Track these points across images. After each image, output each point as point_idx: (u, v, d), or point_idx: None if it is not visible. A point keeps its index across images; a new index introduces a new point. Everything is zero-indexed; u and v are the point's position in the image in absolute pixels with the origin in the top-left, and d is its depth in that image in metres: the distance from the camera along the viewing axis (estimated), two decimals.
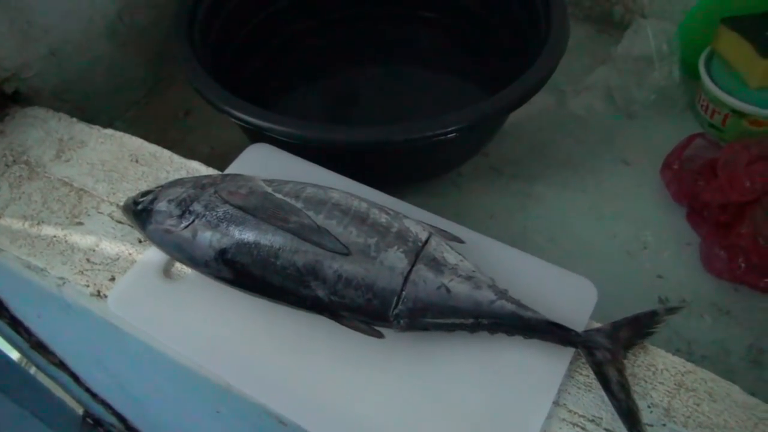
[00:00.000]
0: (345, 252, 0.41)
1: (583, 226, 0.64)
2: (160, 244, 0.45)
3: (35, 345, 0.81)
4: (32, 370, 1.17)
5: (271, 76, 0.79)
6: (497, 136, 0.69)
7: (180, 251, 0.44)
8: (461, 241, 0.46)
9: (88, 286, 0.48)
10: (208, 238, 0.43)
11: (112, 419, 1.06)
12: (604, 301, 0.45)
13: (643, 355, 0.42)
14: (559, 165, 0.70)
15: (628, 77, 0.74)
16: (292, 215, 0.42)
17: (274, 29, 0.79)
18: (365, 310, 0.41)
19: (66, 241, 0.51)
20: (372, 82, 0.83)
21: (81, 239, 0.51)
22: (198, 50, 0.63)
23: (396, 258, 0.41)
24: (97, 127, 0.59)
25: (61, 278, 0.49)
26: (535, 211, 0.66)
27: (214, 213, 0.43)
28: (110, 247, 0.50)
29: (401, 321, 0.40)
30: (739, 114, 0.67)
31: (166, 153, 0.56)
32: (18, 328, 0.78)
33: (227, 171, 0.53)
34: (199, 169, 0.55)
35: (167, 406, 0.76)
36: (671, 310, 0.42)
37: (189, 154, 0.57)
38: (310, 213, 0.42)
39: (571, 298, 0.44)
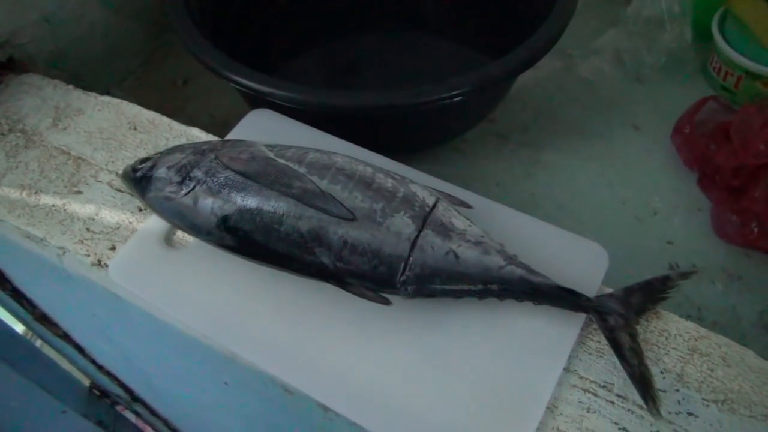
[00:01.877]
0: (350, 217, 0.39)
1: (592, 192, 0.63)
2: (161, 211, 0.44)
3: (39, 317, 0.81)
4: (38, 342, 1.17)
5: (270, 43, 0.78)
6: (504, 103, 0.67)
7: (181, 219, 0.43)
8: (469, 206, 0.44)
9: (88, 255, 0.47)
10: (210, 204, 0.41)
11: (119, 390, 1.06)
12: (614, 268, 0.44)
13: (655, 321, 0.41)
14: (568, 131, 0.69)
15: (638, 40, 0.72)
16: (295, 180, 0.41)
17: None
18: (371, 277, 0.40)
19: (65, 211, 0.50)
20: (374, 49, 0.82)
21: (80, 208, 0.50)
22: (195, 16, 0.61)
23: (403, 223, 0.40)
24: (94, 94, 0.58)
25: (61, 248, 0.48)
26: (542, 178, 0.65)
27: (215, 179, 0.42)
28: (110, 215, 0.49)
29: (408, 287, 0.40)
30: (753, 75, 0.65)
31: (165, 120, 0.55)
32: (21, 301, 0.78)
33: (228, 137, 0.52)
34: (199, 135, 0.54)
35: (173, 378, 0.76)
36: (684, 275, 0.40)
37: (189, 122, 0.55)
38: (314, 178, 0.41)
39: (582, 263, 0.43)
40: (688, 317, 0.42)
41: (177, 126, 0.55)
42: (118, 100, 0.57)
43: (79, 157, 0.53)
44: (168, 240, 0.47)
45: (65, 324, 0.84)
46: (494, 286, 0.40)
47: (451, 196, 0.44)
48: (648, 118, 0.69)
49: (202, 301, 0.43)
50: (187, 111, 0.74)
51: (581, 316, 0.40)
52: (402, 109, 0.52)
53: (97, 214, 0.49)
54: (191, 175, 0.43)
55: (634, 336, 0.39)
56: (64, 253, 0.49)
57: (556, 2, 0.58)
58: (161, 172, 0.44)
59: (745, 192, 0.57)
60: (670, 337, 0.40)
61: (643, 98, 0.71)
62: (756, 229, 0.56)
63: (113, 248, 0.47)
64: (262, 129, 0.52)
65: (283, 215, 0.40)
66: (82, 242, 0.48)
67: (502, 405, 0.37)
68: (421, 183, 0.44)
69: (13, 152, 0.54)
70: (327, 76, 0.80)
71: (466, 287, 0.40)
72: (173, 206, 0.43)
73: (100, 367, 0.98)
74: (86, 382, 1.20)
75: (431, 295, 0.40)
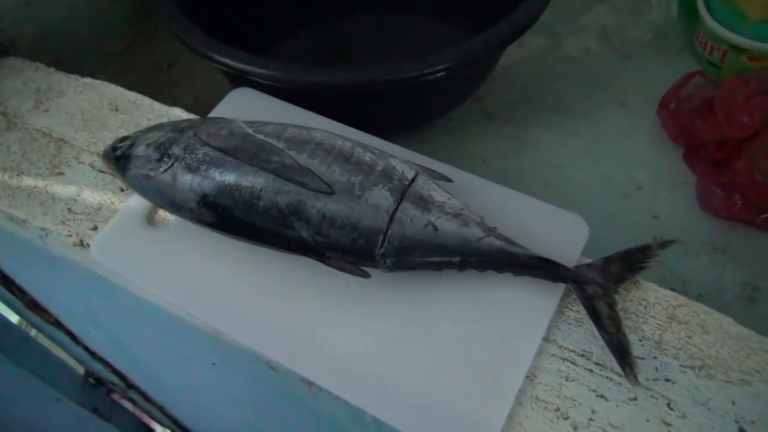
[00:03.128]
0: (328, 191, 0.39)
1: (577, 168, 0.63)
2: (141, 190, 0.44)
3: (29, 304, 0.81)
4: (33, 332, 1.18)
5: (256, 26, 0.77)
6: (489, 81, 0.67)
7: (160, 196, 0.43)
8: (449, 180, 0.44)
9: (70, 236, 0.47)
10: (189, 181, 0.41)
11: (113, 377, 1.06)
12: (600, 242, 0.44)
13: (635, 290, 0.41)
14: (553, 108, 0.69)
15: (624, 16, 0.72)
16: (273, 155, 0.41)
17: None
18: (351, 250, 0.40)
19: (47, 192, 0.50)
20: (366, 30, 0.81)
21: (62, 189, 0.50)
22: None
23: (381, 196, 0.40)
24: (76, 76, 0.58)
25: (43, 229, 0.48)
26: (528, 155, 0.65)
27: (194, 155, 0.42)
28: (92, 196, 0.49)
29: (388, 260, 0.40)
30: (739, 49, 0.65)
31: (147, 101, 0.55)
32: (11, 287, 0.78)
33: (209, 116, 0.51)
34: (180, 115, 0.53)
35: (163, 361, 0.76)
36: (663, 244, 0.41)
37: (174, 105, 0.55)
38: (292, 153, 0.41)
39: (562, 234, 0.43)
40: (672, 290, 0.42)
41: (158, 106, 0.55)
42: (100, 82, 0.57)
43: (61, 139, 0.53)
44: (150, 219, 0.47)
45: (55, 310, 0.84)
46: (473, 258, 0.40)
47: (431, 170, 0.44)
48: (634, 94, 0.69)
49: (184, 278, 0.43)
50: (172, 94, 0.74)
51: (561, 287, 0.41)
52: (382, 86, 0.52)
53: (78, 195, 0.49)
54: (170, 152, 0.42)
55: (612, 305, 0.39)
56: (46, 234, 0.49)
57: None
58: (140, 150, 0.44)
59: (729, 165, 0.57)
60: (649, 305, 0.40)
61: (629, 75, 0.71)
62: (739, 202, 0.56)
63: (95, 228, 0.47)
64: (243, 107, 0.52)
65: (261, 190, 0.40)
66: (64, 223, 0.48)
67: (482, 375, 0.38)
68: (402, 157, 0.44)
69: None
70: (315, 58, 0.80)
71: (445, 259, 0.40)
72: (152, 184, 0.43)
73: (93, 354, 0.98)
74: (81, 370, 1.20)
75: (411, 267, 0.40)
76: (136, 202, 0.47)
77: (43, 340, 1.12)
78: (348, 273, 0.40)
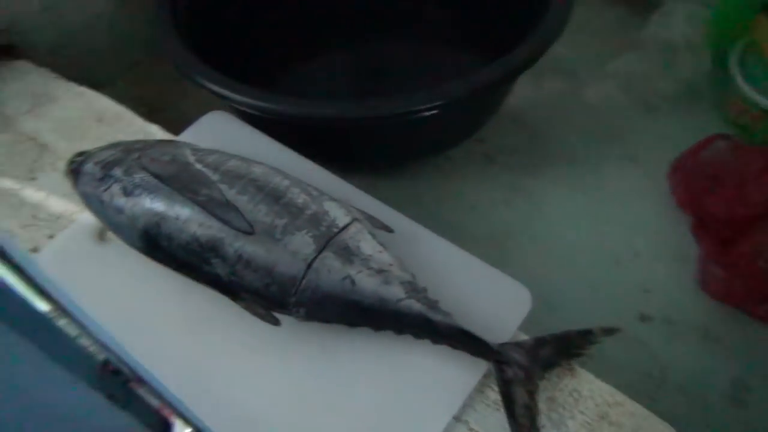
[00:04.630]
0: (249, 231, 0.38)
1: (570, 226, 0.59)
2: (86, 204, 0.44)
3: (38, 291, 0.84)
4: (62, 322, 1.23)
5: (270, 51, 0.77)
6: (496, 122, 0.64)
7: (99, 214, 0.43)
8: (390, 230, 0.42)
9: (27, 241, 0.48)
10: (122, 203, 0.41)
11: (124, 367, 1.09)
12: (577, 311, 0.40)
13: (568, 378, 0.37)
14: (559, 158, 0.65)
15: (653, 66, 0.67)
16: (203, 188, 0.40)
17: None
18: (264, 295, 0.38)
19: (18, 195, 0.51)
20: (398, 55, 0.79)
21: (32, 194, 0.51)
22: (180, 23, 0.61)
23: (302, 242, 0.38)
24: (73, 83, 0.59)
25: (8, 231, 0.49)
26: (521, 205, 0.61)
27: (131, 179, 0.41)
28: (56, 204, 0.50)
29: (300, 309, 0.38)
30: None
31: (129, 115, 0.56)
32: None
33: (180, 137, 0.51)
34: (155, 133, 0.54)
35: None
36: (608, 331, 0.37)
37: (180, 116, 0.56)
38: (223, 186, 0.40)
39: (503, 303, 0.40)
40: (648, 376, 0.38)
41: (139, 121, 0.55)
42: (92, 92, 0.58)
43: (44, 145, 0.55)
44: (101, 234, 0.47)
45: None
46: (390, 319, 0.37)
47: (372, 217, 0.42)
48: (648, 151, 0.63)
49: (117, 300, 0.43)
50: (181, 106, 0.75)
51: (485, 362, 0.37)
52: (353, 122, 0.51)
53: (45, 202, 0.50)
54: (111, 173, 0.42)
55: (532, 393, 0.35)
56: (11, 236, 0.50)
57: (539, 23, 0.54)
58: (89, 167, 0.44)
59: (735, 245, 0.51)
60: (581, 398, 0.36)
61: (647, 129, 0.66)
62: (740, 288, 0.50)
63: (52, 236, 0.48)
64: (212, 131, 0.52)
65: (185, 222, 0.39)
66: (26, 228, 0.49)
67: None
68: (355, 200, 0.42)
69: None
70: (328, 85, 0.79)
71: (359, 316, 0.37)
72: (93, 201, 0.43)
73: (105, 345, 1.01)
74: (100, 358, 1.24)
75: (325, 320, 0.38)
76: (89, 216, 0.47)
77: (69, 329, 1.17)
78: (259, 317, 0.38)
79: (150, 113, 0.66)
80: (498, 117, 0.63)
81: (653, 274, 0.55)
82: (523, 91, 0.57)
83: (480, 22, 0.73)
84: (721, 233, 0.53)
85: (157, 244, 0.40)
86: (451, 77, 0.50)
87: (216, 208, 0.39)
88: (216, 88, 0.52)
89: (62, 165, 0.52)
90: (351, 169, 0.59)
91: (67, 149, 0.54)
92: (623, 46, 0.70)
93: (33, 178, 0.52)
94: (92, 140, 0.54)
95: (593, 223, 0.59)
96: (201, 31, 0.64)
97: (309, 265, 0.37)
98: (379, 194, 0.47)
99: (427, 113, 0.49)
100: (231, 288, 0.39)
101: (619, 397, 0.36)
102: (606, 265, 0.56)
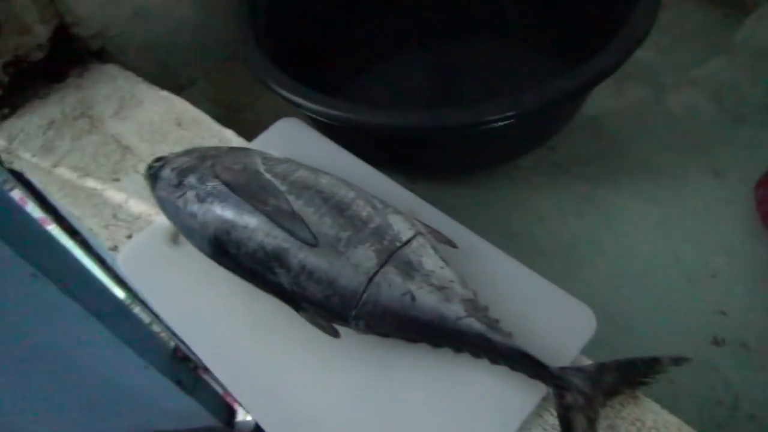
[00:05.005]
0: (313, 243, 0.39)
1: (644, 242, 0.56)
2: (162, 209, 0.47)
3: (117, 280, 0.89)
4: (136, 309, 1.30)
5: (343, 55, 0.78)
6: (571, 129, 0.62)
7: (173, 218, 0.45)
8: (454, 246, 0.42)
9: (108, 240, 0.51)
10: (195, 210, 0.43)
11: (192, 355, 1.14)
12: (643, 331, 0.39)
13: (631, 406, 0.36)
14: (636, 169, 0.62)
15: (743, 73, 0.63)
16: (271, 198, 0.41)
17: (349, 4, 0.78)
18: (325, 306, 0.39)
19: (102, 195, 0.54)
20: (474, 59, 0.78)
21: (114, 195, 0.54)
22: (258, 28, 0.62)
23: (364, 256, 0.38)
24: (156, 87, 0.62)
25: (91, 229, 0.53)
26: (592, 218, 0.59)
27: (204, 187, 0.43)
28: (136, 206, 0.53)
29: (360, 323, 0.38)
30: None
31: (207, 119, 0.58)
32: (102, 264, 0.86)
33: (253, 143, 0.53)
34: (230, 138, 0.56)
35: None
36: (678, 361, 0.35)
37: (255, 119, 0.58)
38: (291, 197, 0.41)
39: (566, 325, 0.39)
40: (719, 404, 0.37)
41: (216, 126, 0.57)
42: (174, 96, 0.61)
43: (127, 147, 0.58)
44: (174, 237, 0.49)
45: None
46: (448, 337, 0.37)
47: (437, 231, 0.42)
48: (734, 164, 0.60)
49: (185, 301, 0.45)
50: (257, 108, 0.77)
51: (544, 385, 0.37)
52: (424, 132, 0.50)
53: (125, 203, 0.53)
54: (186, 180, 0.44)
55: (593, 420, 0.34)
56: (93, 234, 0.53)
57: (622, 26, 0.52)
58: (166, 172, 0.46)
59: None
60: (644, 428, 0.35)
61: (734, 141, 0.62)
62: None
63: (130, 236, 0.51)
64: (283, 138, 0.53)
65: (253, 231, 0.40)
66: (107, 227, 0.52)
67: None
68: (424, 214, 0.42)
69: (77, 136, 0.60)
70: (426, 83, 0.79)
71: (418, 332, 0.37)
72: (169, 206, 0.45)
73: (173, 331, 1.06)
74: (171, 345, 1.30)
75: (384, 334, 0.39)
76: (165, 219, 0.50)
77: (143, 316, 1.24)
78: (319, 328, 0.39)
79: (227, 113, 0.68)
80: (571, 124, 0.61)
81: (730, 296, 0.52)
82: (599, 98, 0.55)
83: (560, 25, 0.71)
84: None
85: (225, 250, 0.42)
86: (527, 81, 0.49)
87: (282, 218, 0.40)
88: (287, 95, 0.53)
89: (143, 167, 0.55)
90: (418, 176, 0.59)
91: (148, 151, 0.57)
92: (711, 51, 0.66)
93: (116, 179, 0.55)
94: (171, 143, 0.57)
95: (669, 240, 0.56)
96: (279, 36, 0.65)
97: (370, 279, 0.38)
98: (445, 202, 0.47)
99: (499, 124, 0.48)
100: (294, 298, 0.40)
101: (686, 430, 0.35)
102: (680, 285, 0.53)
